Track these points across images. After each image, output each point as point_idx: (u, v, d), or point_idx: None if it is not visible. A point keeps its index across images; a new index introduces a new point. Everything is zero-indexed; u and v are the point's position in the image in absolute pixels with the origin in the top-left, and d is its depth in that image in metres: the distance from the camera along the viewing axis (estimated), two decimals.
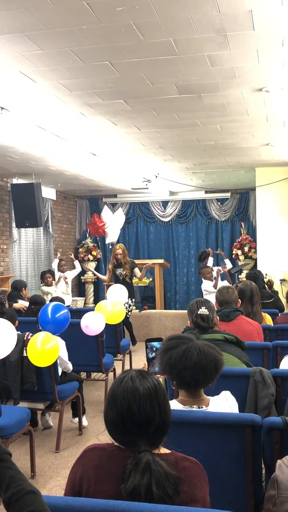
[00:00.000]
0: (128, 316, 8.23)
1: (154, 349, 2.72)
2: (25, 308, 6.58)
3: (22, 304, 6.71)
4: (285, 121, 6.01)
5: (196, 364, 2.12)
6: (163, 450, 1.68)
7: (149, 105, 5.30)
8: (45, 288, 8.94)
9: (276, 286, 9.22)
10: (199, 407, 2.25)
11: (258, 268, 9.42)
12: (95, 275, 9.69)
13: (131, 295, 8.18)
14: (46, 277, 8.95)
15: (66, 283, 9.28)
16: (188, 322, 3.35)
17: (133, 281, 8.39)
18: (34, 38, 3.67)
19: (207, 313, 3.17)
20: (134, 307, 8.54)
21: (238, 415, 2.35)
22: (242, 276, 10.69)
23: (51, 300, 5.76)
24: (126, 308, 8.05)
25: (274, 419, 2.26)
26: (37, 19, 3.38)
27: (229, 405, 2.35)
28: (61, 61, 4.09)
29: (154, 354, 2.71)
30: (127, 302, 8.07)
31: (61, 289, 9.08)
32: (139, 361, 7.44)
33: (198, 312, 3.17)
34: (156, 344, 2.74)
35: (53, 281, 9.04)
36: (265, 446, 2.28)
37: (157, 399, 1.65)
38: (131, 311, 8.33)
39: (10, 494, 1.35)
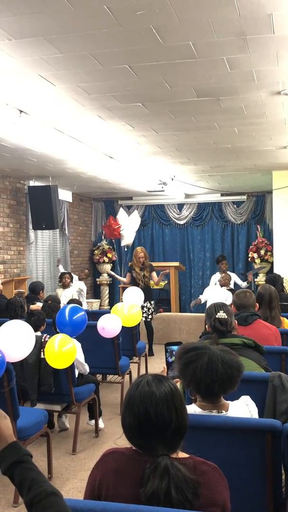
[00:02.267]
0: (149, 319, 8.23)
1: (174, 353, 2.72)
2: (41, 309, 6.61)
3: (39, 306, 6.74)
4: None
5: (223, 375, 2.13)
6: (182, 454, 1.68)
7: (167, 108, 5.30)
8: (59, 291, 8.99)
9: None
10: (218, 412, 2.24)
11: (275, 271, 9.37)
12: (113, 277, 9.68)
13: (150, 298, 8.20)
14: (64, 277, 9.00)
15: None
16: (206, 326, 3.35)
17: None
18: (54, 42, 3.69)
19: (226, 317, 3.16)
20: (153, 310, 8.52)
21: (258, 420, 2.34)
22: (258, 279, 10.65)
23: (68, 303, 5.78)
24: (146, 312, 8.07)
25: None
26: (57, 23, 3.40)
27: (249, 410, 2.34)
28: (80, 65, 4.11)
29: (174, 358, 2.70)
30: (146, 306, 8.08)
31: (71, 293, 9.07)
32: (155, 364, 7.44)
33: (216, 316, 3.16)
34: (175, 348, 2.74)
35: (71, 283, 9.10)
36: (285, 451, 2.26)
37: (174, 403, 1.65)
38: (152, 313, 8.31)
39: (32, 496, 1.35)
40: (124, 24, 3.42)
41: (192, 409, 2.26)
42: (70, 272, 9.55)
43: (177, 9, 3.21)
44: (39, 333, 4.60)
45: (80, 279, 9.96)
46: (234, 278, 9.69)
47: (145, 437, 1.64)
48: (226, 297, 8.16)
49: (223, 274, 9.15)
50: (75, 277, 9.80)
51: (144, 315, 8.02)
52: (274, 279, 5.88)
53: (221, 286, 8.75)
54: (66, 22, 3.39)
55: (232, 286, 9.32)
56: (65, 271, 9.61)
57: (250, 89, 4.75)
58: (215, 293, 8.47)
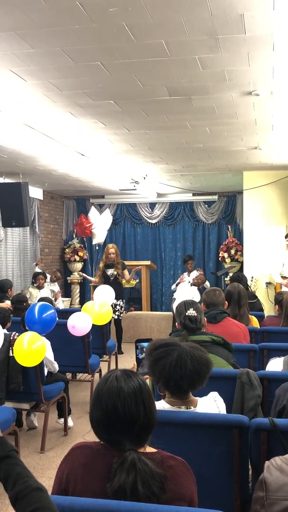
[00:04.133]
0: (120, 318, 8.23)
1: (144, 349, 2.72)
2: (11, 308, 6.54)
3: (8, 304, 6.67)
4: (273, 125, 6.05)
5: (192, 371, 2.14)
6: (149, 449, 1.69)
7: (139, 106, 5.30)
8: (33, 290, 8.87)
9: (262, 289, 9.30)
10: (187, 408, 2.26)
11: (244, 271, 9.49)
12: (85, 278, 9.62)
13: (121, 296, 8.19)
14: (38, 278, 8.85)
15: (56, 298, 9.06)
16: (176, 323, 3.36)
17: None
18: (26, 37, 3.65)
19: (195, 314, 3.18)
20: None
21: (226, 416, 2.36)
22: (228, 279, 10.74)
23: (39, 301, 5.74)
24: (118, 310, 8.06)
25: (262, 420, 2.28)
26: (29, 18, 3.36)
27: (217, 406, 2.36)
28: (52, 61, 4.08)
29: (144, 354, 2.71)
30: (118, 304, 8.08)
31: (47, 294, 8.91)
32: (125, 362, 7.44)
33: (186, 314, 3.18)
34: (146, 344, 2.74)
35: (45, 284, 8.98)
36: (252, 447, 2.29)
37: (142, 398, 1.67)
38: (122, 312, 8.31)
39: (17, 491, 1.35)
40: (97, 21, 3.41)
41: (161, 405, 2.27)
42: (44, 273, 9.41)
43: (150, 7, 3.21)
44: (5, 331, 4.55)
45: (51, 281, 9.77)
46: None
47: (113, 432, 1.65)
48: (193, 296, 8.25)
49: (198, 274, 9.17)
50: (48, 277, 9.68)
51: (117, 313, 8.04)
52: (238, 278, 5.96)
53: (193, 285, 8.78)
54: (38, 17, 3.36)
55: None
56: (40, 272, 9.45)
57: (222, 89, 4.78)
58: (184, 291, 8.52)
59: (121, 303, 8.17)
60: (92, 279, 8.75)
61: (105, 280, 8.08)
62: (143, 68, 4.26)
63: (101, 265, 8.21)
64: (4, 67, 4.20)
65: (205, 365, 2.20)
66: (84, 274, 9.52)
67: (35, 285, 8.92)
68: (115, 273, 8.12)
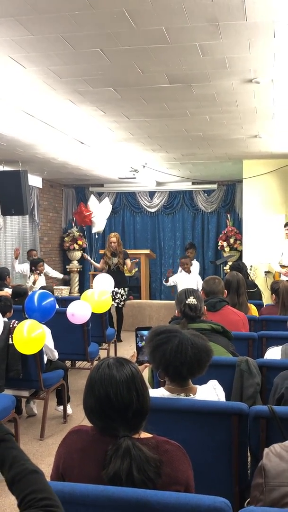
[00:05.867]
0: (121, 305, 8.25)
1: (144, 337, 2.73)
2: (10, 296, 6.55)
3: (7, 292, 6.68)
4: (274, 113, 6.02)
5: (192, 358, 2.15)
6: (144, 435, 1.71)
7: (139, 93, 5.26)
8: (40, 279, 8.87)
9: (261, 278, 9.31)
10: (186, 395, 2.27)
11: (243, 260, 9.48)
12: (88, 261, 9.57)
13: (123, 285, 8.22)
14: (39, 265, 8.82)
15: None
16: (176, 311, 3.37)
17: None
18: (25, 23, 3.61)
19: (195, 302, 3.18)
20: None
21: (225, 403, 2.37)
22: (227, 267, 10.74)
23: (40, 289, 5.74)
24: (119, 298, 8.09)
25: (261, 408, 2.29)
26: (28, 4, 3.33)
27: (216, 393, 2.37)
28: (52, 47, 4.05)
29: (144, 342, 2.71)
30: (119, 292, 8.10)
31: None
32: (124, 350, 7.46)
33: (186, 302, 3.19)
34: (146, 333, 2.75)
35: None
36: (251, 434, 2.30)
37: (134, 385, 1.68)
38: (124, 300, 8.33)
39: (13, 474, 1.35)
40: (97, 7, 3.37)
41: (161, 392, 2.28)
42: (43, 260, 9.35)
43: None
44: (6, 319, 4.56)
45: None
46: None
47: (106, 418, 1.67)
48: (197, 281, 8.28)
49: (182, 260, 9.16)
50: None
51: (117, 301, 8.07)
52: (239, 267, 5.96)
53: (187, 272, 8.79)
54: (38, 3, 3.32)
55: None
56: (39, 259, 9.39)
57: (222, 76, 4.75)
58: (184, 278, 8.55)
59: (123, 291, 8.19)
60: (97, 264, 8.71)
61: (107, 268, 8.13)
62: (143, 55, 4.22)
63: (108, 253, 8.22)
64: (4, 53, 4.16)
65: (206, 353, 2.20)
66: (89, 258, 9.44)
67: (37, 272, 8.80)
68: (117, 262, 8.15)
